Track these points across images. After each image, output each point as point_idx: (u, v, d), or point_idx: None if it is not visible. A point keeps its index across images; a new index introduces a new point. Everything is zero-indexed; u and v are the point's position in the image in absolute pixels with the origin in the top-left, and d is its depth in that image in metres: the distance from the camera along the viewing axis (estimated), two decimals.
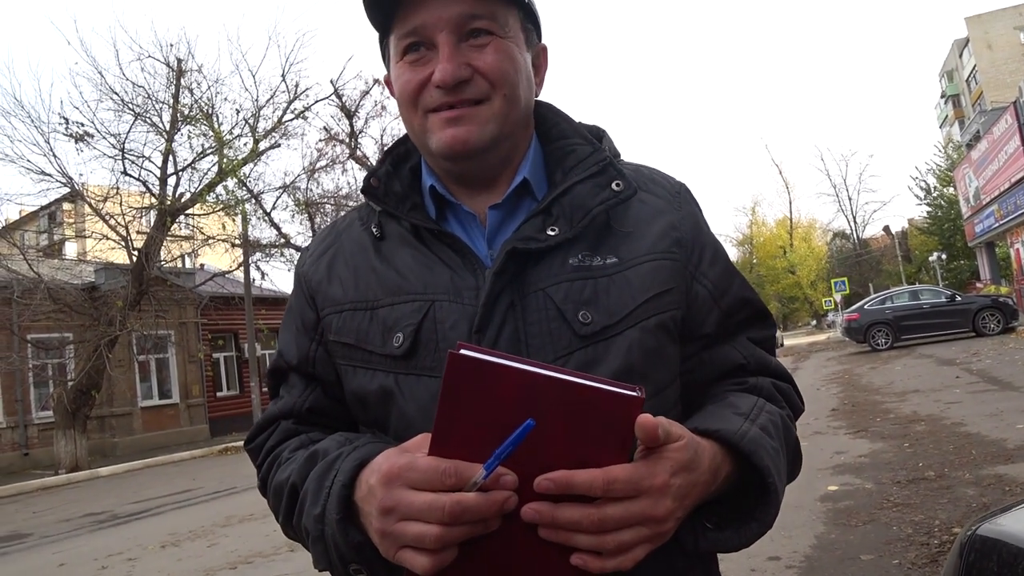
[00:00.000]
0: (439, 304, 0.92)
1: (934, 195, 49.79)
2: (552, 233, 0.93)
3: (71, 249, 26.52)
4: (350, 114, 21.20)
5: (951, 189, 45.69)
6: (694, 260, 1.01)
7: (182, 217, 19.36)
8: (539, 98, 1.09)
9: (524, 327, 0.90)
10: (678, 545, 0.81)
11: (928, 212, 50.87)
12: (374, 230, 1.02)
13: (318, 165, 21.18)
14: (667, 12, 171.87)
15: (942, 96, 58.93)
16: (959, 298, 21.12)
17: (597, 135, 1.06)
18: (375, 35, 1.04)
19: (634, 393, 0.67)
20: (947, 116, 57.58)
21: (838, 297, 38.93)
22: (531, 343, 0.89)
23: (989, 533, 1.16)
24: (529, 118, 1.03)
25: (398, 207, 1.00)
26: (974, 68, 49.70)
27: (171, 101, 18.18)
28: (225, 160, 18.27)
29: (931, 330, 20.83)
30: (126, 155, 17.74)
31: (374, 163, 1.06)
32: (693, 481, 0.77)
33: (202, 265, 26.02)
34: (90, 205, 17.92)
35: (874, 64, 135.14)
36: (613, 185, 0.97)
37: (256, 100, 19.20)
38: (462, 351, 0.67)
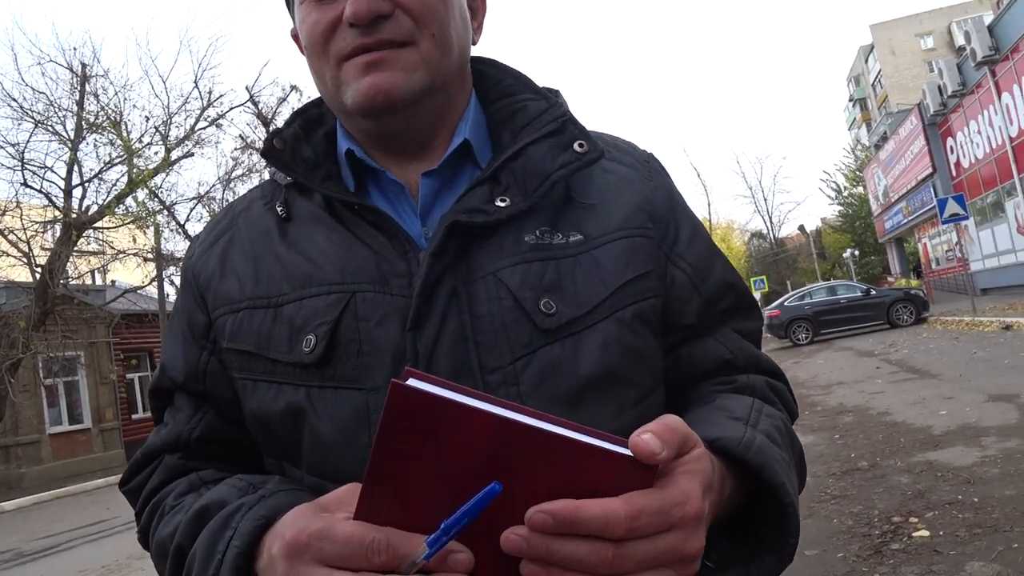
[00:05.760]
0: (361, 295, 0.74)
1: (845, 195, 51.93)
2: (502, 204, 0.76)
3: None
4: (267, 121, 20.84)
5: (861, 188, 47.84)
6: (669, 239, 0.85)
7: (90, 231, 18.65)
8: (478, 53, 0.92)
9: (472, 321, 0.73)
10: None
11: (840, 211, 52.98)
12: (279, 209, 0.83)
13: (234, 174, 20.79)
14: (583, 18, 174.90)
15: (850, 100, 61.51)
16: (873, 292, 21.88)
17: (552, 92, 0.88)
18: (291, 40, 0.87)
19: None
20: (855, 119, 60.13)
21: (758, 295, 39.98)
22: (481, 340, 0.72)
23: None
24: (465, 68, 0.86)
25: (308, 176, 0.81)
26: (879, 73, 52.04)
27: (75, 108, 17.58)
28: (135, 170, 17.74)
29: (848, 323, 21.51)
30: (26, 166, 17.09)
31: None
32: (714, 504, 0.59)
33: (113, 281, 25.04)
34: None
35: (786, 70, 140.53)
36: (575, 146, 0.80)
37: (167, 107, 18.92)
38: (410, 381, 0.50)
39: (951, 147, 26.08)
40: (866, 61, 55.54)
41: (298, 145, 0.85)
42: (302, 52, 0.87)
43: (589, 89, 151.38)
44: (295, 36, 0.88)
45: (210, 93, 19.30)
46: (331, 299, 0.75)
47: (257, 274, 0.81)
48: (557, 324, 0.74)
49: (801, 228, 63.31)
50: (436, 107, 0.82)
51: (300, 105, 0.94)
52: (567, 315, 0.74)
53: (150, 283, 20.38)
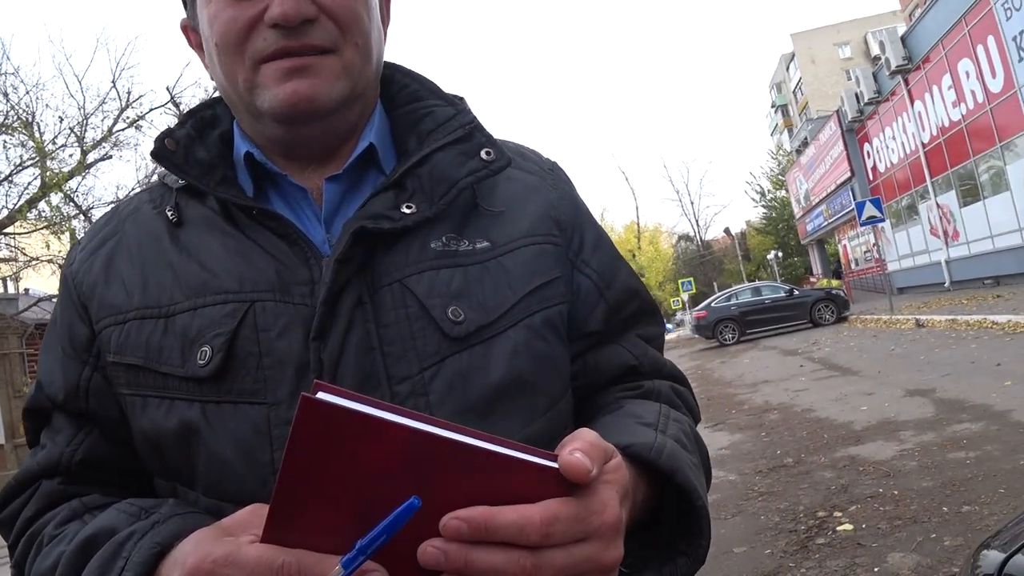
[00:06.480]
0: (261, 305, 0.70)
1: (768, 198, 53.57)
2: (408, 211, 0.73)
3: None
4: None
5: (783, 192, 49.39)
6: (575, 246, 0.85)
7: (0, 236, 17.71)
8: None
9: (377, 330, 0.70)
10: None
11: (764, 214, 54.64)
12: (169, 214, 0.78)
13: (154, 178, 19.90)
14: (516, 25, 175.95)
15: (772, 106, 63.50)
16: (797, 292, 22.58)
17: (458, 98, 0.86)
18: None
19: (556, 465, 0.52)
20: (777, 124, 62.13)
21: (686, 296, 40.85)
22: (388, 349, 0.69)
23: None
24: (379, 76, 0.83)
25: (203, 179, 0.76)
26: (800, 80, 53.92)
27: None
28: (48, 173, 16.94)
29: (773, 323, 22.15)
30: None
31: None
32: (629, 511, 0.59)
33: (26, 289, 23.86)
34: None
35: (711, 77, 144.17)
36: (482, 154, 0.79)
37: (83, 107, 18.10)
38: (319, 394, 0.47)
39: (868, 152, 27.13)
40: (787, 69, 57.46)
41: (192, 146, 0.80)
42: (193, 47, 0.83)
43: (515, 95, 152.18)
44: (187, 28, 0.83)
45: (129, 94, 18.66)
46: (228, 308, 0.71)
47: (146, 282, 0.75)
48: (466, 332, 0.72)
49: (727, 231, 65.08)
50: (352, 117, 0.80)
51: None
52: (475, 322, 0.73)
53: None
